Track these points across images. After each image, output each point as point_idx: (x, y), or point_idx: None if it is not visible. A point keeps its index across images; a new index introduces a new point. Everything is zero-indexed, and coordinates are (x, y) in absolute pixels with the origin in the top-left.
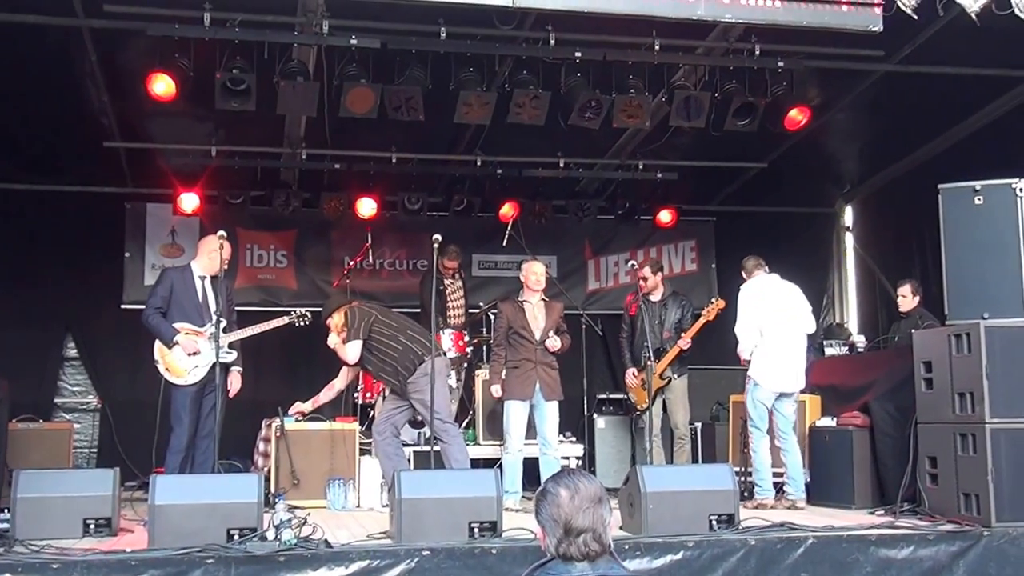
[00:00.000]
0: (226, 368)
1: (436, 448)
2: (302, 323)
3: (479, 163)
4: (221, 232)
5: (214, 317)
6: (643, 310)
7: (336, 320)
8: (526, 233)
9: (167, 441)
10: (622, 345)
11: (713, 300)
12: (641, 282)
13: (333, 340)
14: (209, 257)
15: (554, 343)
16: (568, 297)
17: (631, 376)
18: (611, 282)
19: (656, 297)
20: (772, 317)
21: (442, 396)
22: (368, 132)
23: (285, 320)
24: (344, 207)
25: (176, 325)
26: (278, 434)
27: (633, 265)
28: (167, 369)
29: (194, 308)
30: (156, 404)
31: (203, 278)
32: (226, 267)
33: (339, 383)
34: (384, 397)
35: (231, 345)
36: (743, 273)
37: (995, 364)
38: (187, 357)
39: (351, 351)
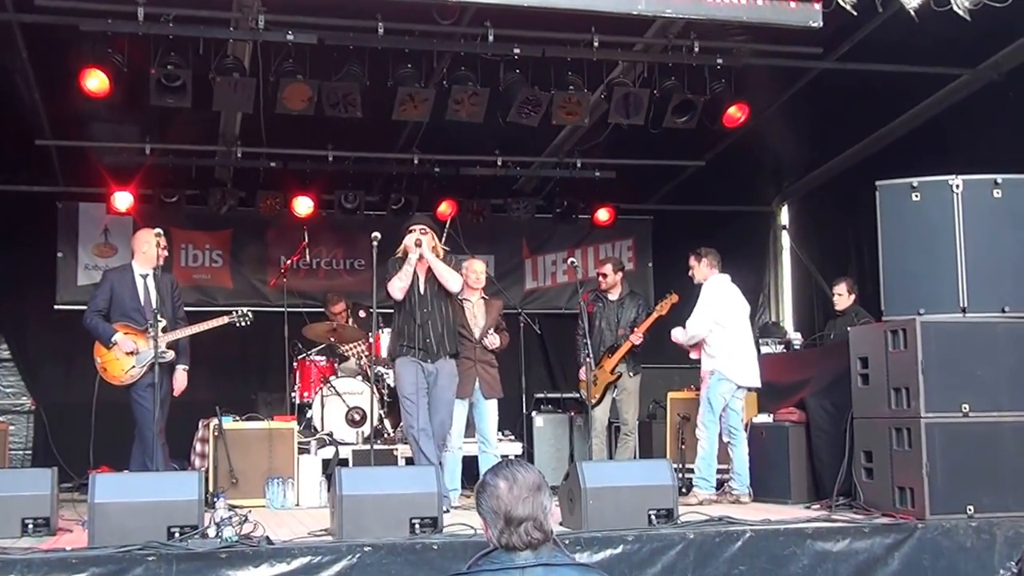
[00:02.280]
0: (170, 367)
1: (376, 446)
2: (243, 323)
3: (417, 161)
4: (157, 230)
5: (162, 319)
6: (600, 308)
7: (432, 240)
8: (464, 232)
9: (108, 442)
10: (577, 342)
11: (668, 295)
12: (600, 278)
13: (428, 246)
14: (143, 252)
15: (493, 341)
16: (506, 296)
17: (582, 373)
18: (549, 281)
19: (614, 296)
20: (740, 313)
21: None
22: (304, 130)
23: (226, 320)
24: (280, 206)
25: (116, 325)
26: (216, 434)
27: (572, 263)
28: (104, 369)
29: (134, 308)
30: (92, 405)
31: (144, 276)
32: (162, 261)
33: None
34: (321, 394)
35: (170, 344)
36: (706, 264)
37: (931, 359)
38: (125, 357)
39: (455, 275)
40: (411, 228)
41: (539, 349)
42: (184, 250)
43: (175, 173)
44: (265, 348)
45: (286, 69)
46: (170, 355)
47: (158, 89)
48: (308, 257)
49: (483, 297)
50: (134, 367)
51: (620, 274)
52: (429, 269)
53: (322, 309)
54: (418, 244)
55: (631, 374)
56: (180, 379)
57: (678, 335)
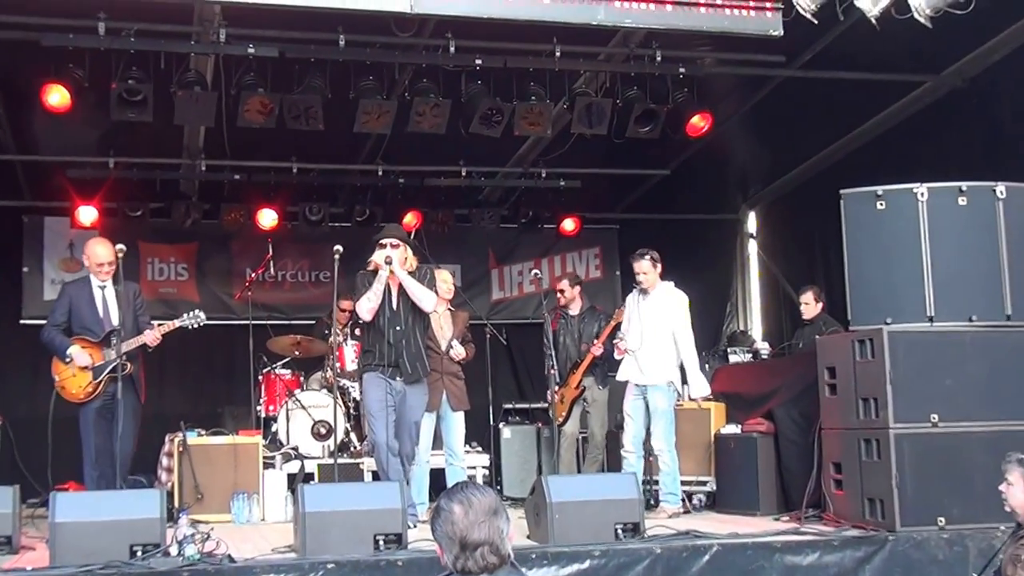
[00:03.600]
0: (132, 380)
1: (341, 461)
2: (195, 324)
3: (381, 173)
4: (119, 245)
5: (119, 328)
6: (562, 324)
7: (404, 253)
8: (429, 243)
9: (72, 458)
10: (547, 359)
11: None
12: (559, 295)
13: (399, 261)
14: (86, 264)
15: (459, 352)
16: (472, 307)
17: (550, 393)
18: (515, 291)
19: (574, 311)
20: None
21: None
22: (268, 142)
23: (177, 323)
24: (245, 218)
25: (74, 339)
26: (180, 449)
27: (537, 274)
28: (62, 387)
29: (93, 320)
30: (48, 422)
31: (103, 287)
32: (105, 269)
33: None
34: (286, 408)
35: (129, 355)
36: (659, 269)
37: (898, 369)
38: (81, 373)
39: (429, 295)
40: (381, 242)
41: (506, 360)
42: (150, 264)
43: (139, 186)
44: (231, 361)
45: (247, 82)
46: (127, 367)
47: (119, 103)
48: (273, 270)
49: (449, 308)
50: (90, 382)
51: (578, 288)
52: (401, 286)
53: (287, 321)
54: (388, 261)
55: (599, 387)
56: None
57: (700, 389)
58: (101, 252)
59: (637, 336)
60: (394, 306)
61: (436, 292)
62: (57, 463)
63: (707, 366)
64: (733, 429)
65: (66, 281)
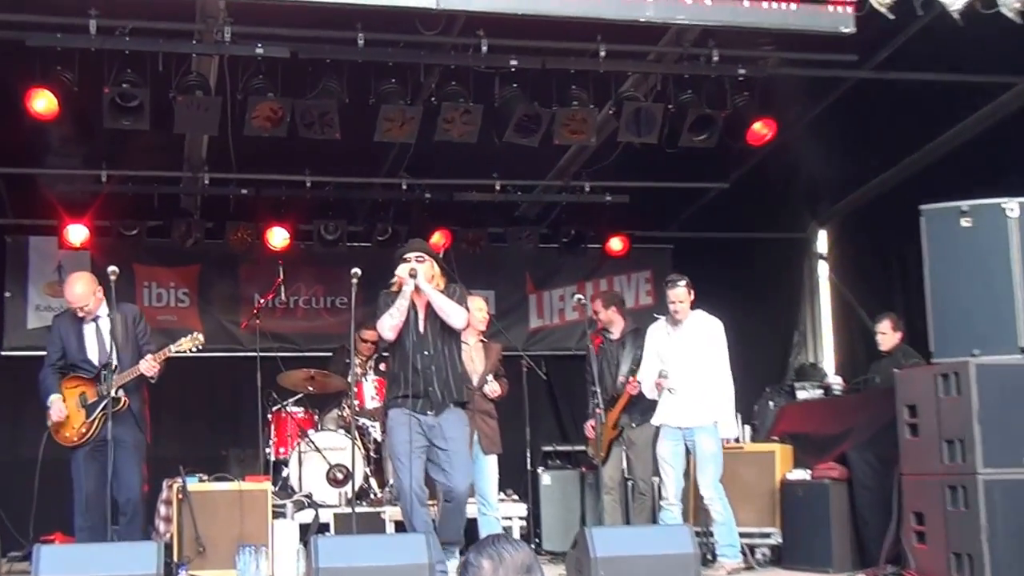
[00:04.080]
0: (133, 417)
1: (359, 510)
2: (195, 348)
3: (405, 187)
4: (112, 268)
5: (112, 362)
6: (603, 348)
7: (431, 269)
8: (460, 265)
9: (60, 506)
10: (588, 388)
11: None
12: (594, 315)
13: (426, 276)
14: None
15: (493, 389)
16: (507, 337)
17: (589, 427)
18: (556, 319)
19: (615, 333)
20: None
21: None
22: (278, 153)
23: (175, 348)
24: (252, 238)
25: (66, 380)
26: (180, 496)
27: (580, 300)
28: (56, 430)
29: (83, 355)
30: (45, 463)
31: (96, 318)
32: (87, 304)
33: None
34: (299, 450)
35: (127, 389)
36: (690, 296)
37: (988, 407)
38: (76, 412)
39: (459, 310)
40: (405, 256)
41: (546, 396)
42: (146, 288)
43: (135, 203)
44: (237, 398)
45: (255, 86)
46: (122, 402)
47: (112, 110)
48: (284, 295)
49: (482, 340)
50: (84, 423)
51: (613, 309)
52: (429, 304)
53: (300, 353)
54: (412, 274)
55: (635, 424)
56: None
57: (730, 429)
58: (75, 294)
59: (678, 369)
60: (421, 328)
61: (468, 309)
62: (42, 511)
63: (771, 403)
64: (801, 475)
65: (56, 313)
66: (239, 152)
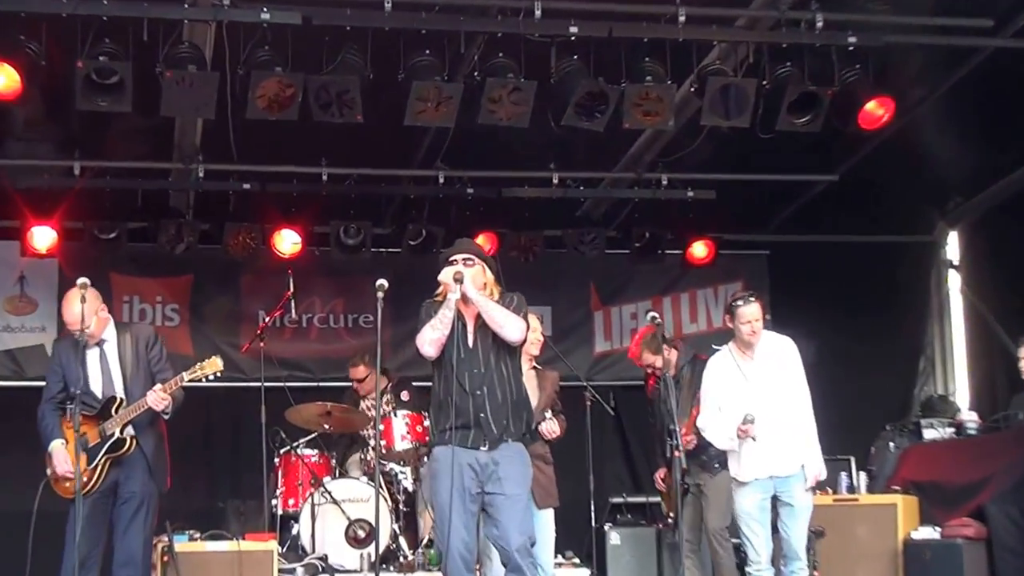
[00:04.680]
0: (145, 462)
1: None
2: (214, 374)
3: (441, 180)
4: (82, 279)
5: (118, 395)
6: (658, 389)
7: (483, 275)
8: (509, 276)
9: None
10: (652, 435)
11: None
12: (646, 368)
13: (475, 283)
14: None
15: (550, 428)
16: (567, 363)
17: (658, 478)
18: (627, 341)
19: (670, 371)
20: None
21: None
22: (288, 141)
23: (188, 376)
24: (257, 243)
25: (66, 421)
26: (165, 558)
27: (655, 319)
28: (55, 480)
29: (85, 389)
30: (23, 516)
31: (101, 342)
32: (88, 326)
33: None
34: (312, 502)
35: (136, 427)
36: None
37: None
38: (70, 467)
39: (515, 320)
40: (451, 259)
41: (615, 435)
42: (126, 303)
43: (113, 200)
44: (237, 438)
45: (260, 59)
46: (127, 444)
47: (88, 88)
48: (295, 312)
49: (535, 367)
50: (85, 470)
51: (666, 350)
52: (479, 314)
53: (314, 384)
54: (459, 279)
55: (712, 474)
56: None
57: (818, 468)
58: (73, 313)
59: (758, 407)
60: (469, 342)
61: (527, 322)
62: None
63: (892, 445)
64: (930, 533)
65: (55, 338)
66: (240, 139)
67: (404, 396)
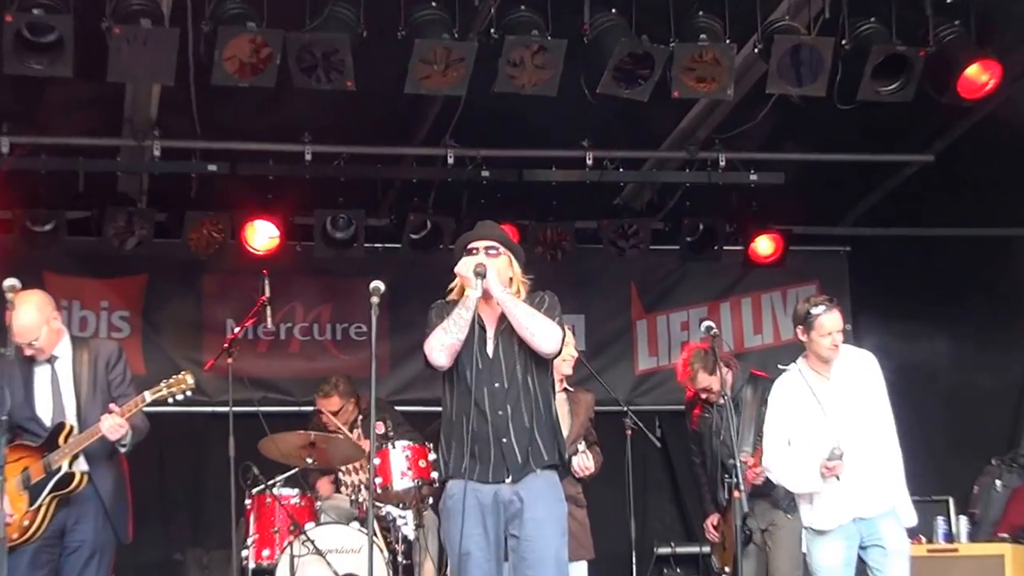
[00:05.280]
0: (95, 500)
1: None
2: (182, 393)
3: (451, 161)
4: (10, 281)
5: (68, 423)
6: (704, 421)
7: (510, 268)
8: (535, 276)
9: None
10: (697, 475)
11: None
12: (695, 390)
13: (501, 277)
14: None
15: (582, 463)
16: (604, 383)
17: (710, 526)
18: (676, 356)
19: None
20: None
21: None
22: (264, 112)
23: (151, 397)
24: (224, 236)
25: (8, 450)
26: None
27: (711, 329)
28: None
29: (29, 413)
30: None
31: (52, 359)
32: (36, 338)
33: None
34: (291, 553)
35: (91, 459)
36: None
37: None
38: (16, 496)
39: (549, 326)
40: (471, 247)
41: (662, 472)
42: (65, 310)
43: (50, 184)
44: (200, 475)
45: (229, 12)
46: (77, 479)
47: (18, 48)
48: (271, 321)
49: (565, 388)
50: (27, 512)
51: (722, 370)
52: (503, 317)
53: (294, 408)
54: (480, 272)
55: (787, 514)
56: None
57: (910, 514)
58: (21, 324)
59: (830, 446)
60: (489, 351)
61: (562, 327)
62: None
63: (999, 483)
64: None
65: None
66: (205, 111)
67: (380, 429)
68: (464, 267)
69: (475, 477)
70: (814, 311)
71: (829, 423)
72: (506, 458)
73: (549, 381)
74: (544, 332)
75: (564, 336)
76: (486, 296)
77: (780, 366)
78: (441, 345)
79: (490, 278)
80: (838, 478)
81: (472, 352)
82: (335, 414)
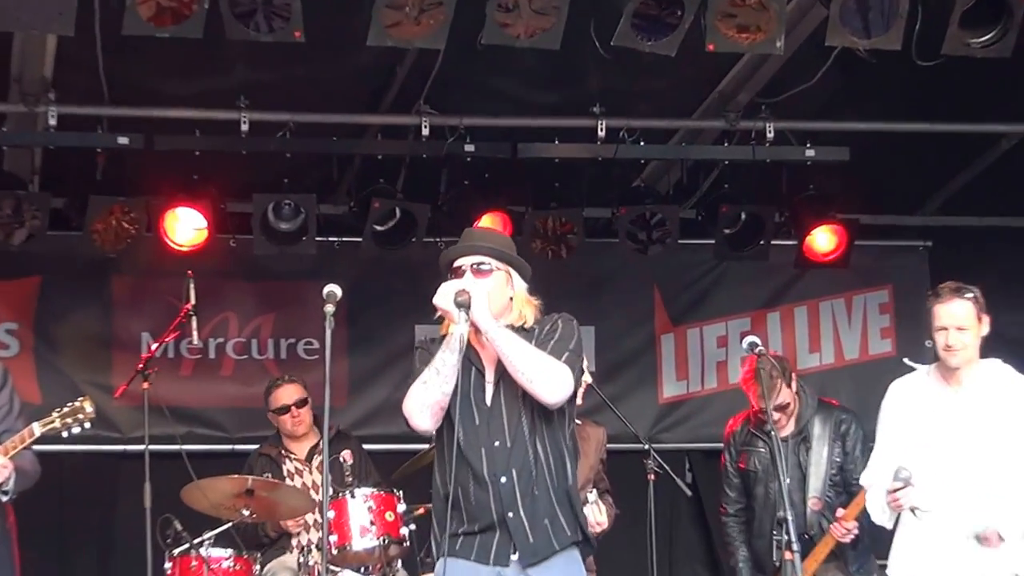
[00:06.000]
0: None
1: None
2: (79, 425)
3: (426, 131)
4: None
5: None
6: (759, 458)
7: (506, 286)
8: (534, 278)
9: None
10: (728, 531)
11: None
12: (773, 414)
13: (494, 304)
14: None
15: (595, 517)
16: (620, 415)
17: None
18: (712, 381)
19: (786, 427)
20: None
21: None
22: (190, 71)
23: (38, 430)
24: (138, 228)
25: None
26: None
27: (756, 346)
28: None
29: None
30: None
31: None
32: None
33: None
34: None
35: None
36: (980, 325)
37: None
38: None
39: (559, 371)
40: (456, 265)
41: (692, 527)
42: None
43: None
44: (107, 529)
45: None
46: None
47: None
48: (197, 336)
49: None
50: None
51: (796, 385)
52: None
53: (228, 447)
54: (462, 303)
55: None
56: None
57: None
58: None
59: (950, 471)
60: (488, 398)
61: (577, 364)
62: None
63: None
64: None
65: None
66: (114, 69)
67: (345, 457)
68: (443, 298)
69: (472, 557)
70: (932, 296)
71: (950, 439)
72: (513, 536)
73: (566, 432)
74: (544, 377)
75: (576, 378)
76: (476, 331)
77: (907, 360)
78: (422, 405)
79: (477, 308)
80: (913, 513)
81: (468, 403)
82: (293, 415)
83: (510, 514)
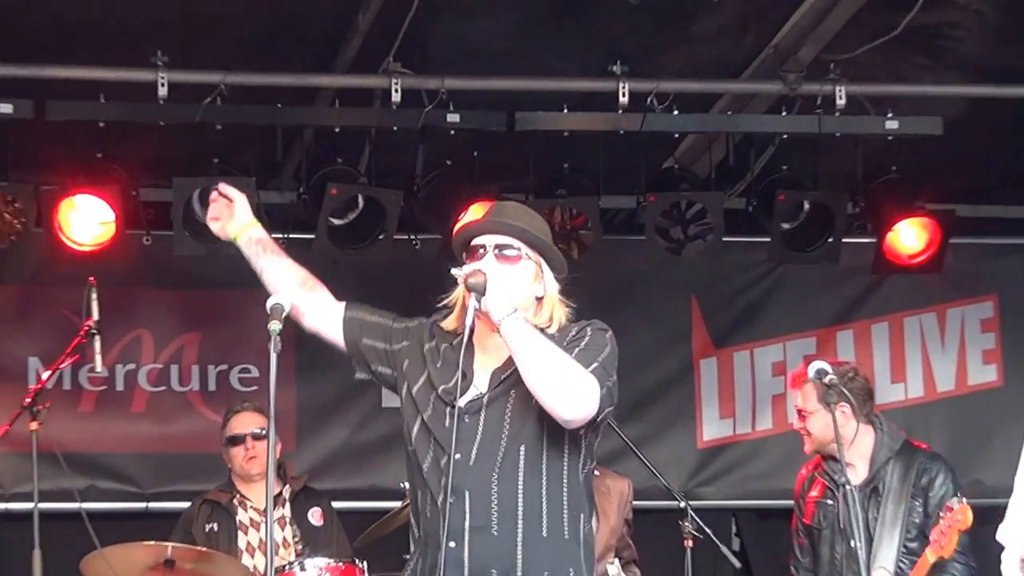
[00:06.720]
0: None
1: None
2: None
3: (397, 96)
4: None
5: None
6: (826, 512)
7: (537, 278)
8: None
9: None
10: None
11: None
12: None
13: (513, 293)
14: None
15: None
16: (648, 465)
17: None
18: (766, 421)
19: (860, 474)
20: None
21: None
22: (90, 19)
23: None
24: (25, 221)
25: None
26: None
27: (823, 373)
28: None
29: None
30: None
31: None
32: None
33: None
34: None
35: None
36: None
37: None
38: None
39: (585, 381)
40: (476, 245)
41: None
42: None
43: None
44: None
45: None
46: None
47: None
48: (100, 361)
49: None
50: None
51: (845, 407)
52: (511, 361)
53: (141, 504)
54: (476, 285)
55: None
56: None
57: None
58: None
59: None
60: (480, 416)
61: (607, 378)
62: None
63: None
64: None
65: None
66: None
67: (315, 518)
68: (460, 272)
69: None
70: None
71: None
72: None
73: (578, 460)
74: (566, 384)
75: (603, 397)
76: (482, 313)
77: None
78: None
79: (492, 294)
80: None
81: (445, 420)
82: (258, 438)
83: (505, 560)
